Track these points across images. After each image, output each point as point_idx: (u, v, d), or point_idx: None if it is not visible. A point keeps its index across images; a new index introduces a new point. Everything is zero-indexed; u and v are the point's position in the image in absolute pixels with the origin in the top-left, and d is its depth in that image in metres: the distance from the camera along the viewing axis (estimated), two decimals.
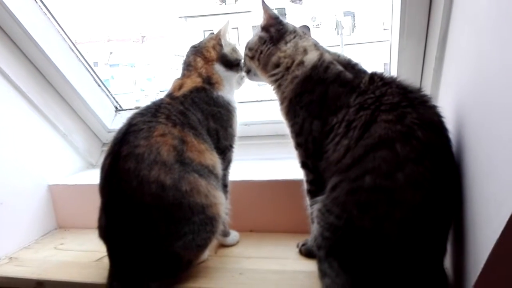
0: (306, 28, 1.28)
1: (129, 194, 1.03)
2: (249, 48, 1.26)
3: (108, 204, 1.09)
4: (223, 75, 1.32)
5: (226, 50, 1.34)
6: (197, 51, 1.33)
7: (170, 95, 1.24)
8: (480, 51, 0.78)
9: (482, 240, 0.68)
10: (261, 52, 1.21)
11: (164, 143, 1.07)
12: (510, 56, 0.60)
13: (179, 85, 1.26)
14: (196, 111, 1.20)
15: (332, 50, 1.18)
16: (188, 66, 1.31)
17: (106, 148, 1.17)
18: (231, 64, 1.34)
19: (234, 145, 1.32)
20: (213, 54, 1.32)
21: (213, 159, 1.17)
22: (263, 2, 1.22)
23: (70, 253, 1.43)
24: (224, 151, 1.26)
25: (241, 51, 1.35)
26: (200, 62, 1.30)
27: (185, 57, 1.34)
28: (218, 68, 1.31)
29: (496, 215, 0.62)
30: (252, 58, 1.25)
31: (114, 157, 1.08)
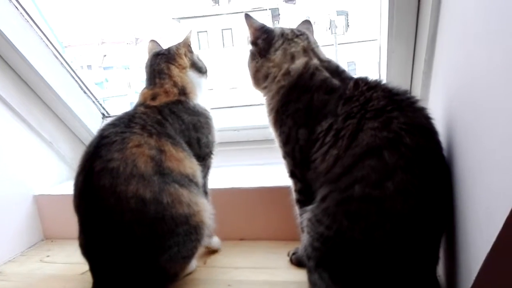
0: (307, 22, 1.25)
1: (107, 213, 0.99)
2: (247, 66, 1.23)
3: (86, 223, 1.05)
4: (195, 82, 1.30)
5: (195, 57, 1.34)
6: (169, 58, 1.28)
7: (144, 105, 1.19)
8: (467, 52, 0.76)
9: (475, 250, 0.67)
10: (253, 68, 1.19)
11: (140, 155, 1.03)
12: (496, 57, 0.58)
13: (151, 96, 1.21)
14: (175, 121, 1.17)
15: (325, 52, 1.16)
16: (161, 74, 1.25)
17: None
18: (202, 70, 1.34)
19: (214, 152, 1.29)
20: (185, 60, 1.30)
21: (193, 167, 1.14)
22: (246, 17, 1.17)
23: (55, 266, 1.40)
24: (205, 157, 1.24)
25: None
26: (174, 69, 1.26)
27: (151, 65, 1.29)
28: (192, 74, 1.29)
29: (488, 224, 0.60)
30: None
31: (87, 173, 1.03)
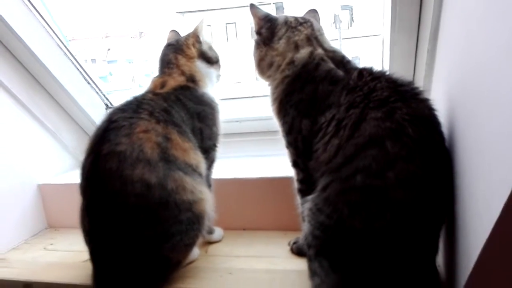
0: (314, 11, 1.25)
1: (113, 196, 0.99)
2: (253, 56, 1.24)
3: (91, 207, 1.05)
4: (204, 72, 1.31)
5: (205, 47, 1.34)
6: (177, 48, 1.30)
7: (152, 92, 1.20)
8: (468, 41, 0.76)
9: (473, 239, 0.67)
10: (257, 57, 1.20)
11: (147, 140, 1.03)
12: (497, 46, 0.58)
13: (160, 83, 1.23)
14: (181, 109, 1.17)
15: (330, 43, 1.15)
16: (169, 64, 1.27)
17: None
18: (211, 61, 1.35)
19: (218, 144, 1.29)
20: (193, 51, 1.30)
21: (196, 158, 1.14)
22: (251, 7, 1.19)
23: (58, 254, 1.41)
24: (208, 150, 1.24)
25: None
26: (182, 59, 1.27)
27: (162, 56, 1.31)
28: (200, 65, 1.30)
29: (486, 213, 0.60)
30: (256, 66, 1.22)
31: (95, 156, 1.03)
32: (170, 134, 1.08)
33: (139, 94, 1.21)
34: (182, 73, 1.25)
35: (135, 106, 1.12)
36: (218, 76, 1.40)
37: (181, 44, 1.31)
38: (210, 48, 1.38)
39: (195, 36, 1.33)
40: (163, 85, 1.22)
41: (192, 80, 1.26)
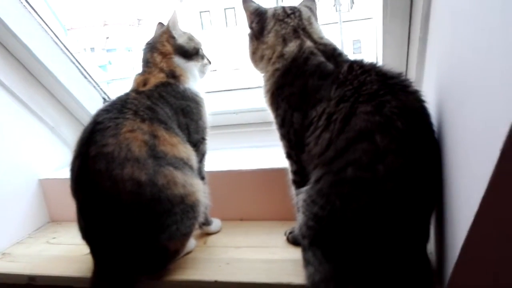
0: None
1: (104, 196, 1.01)
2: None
3: (84, 207, 1.07)
4: (184, 67, 1.29)
5: (181, 40, 1.31)
6: (152, 47, 1.28)
7: (135, 91, 1.21)
8: (455, 32, 0.77)
9: (458, 227, 0.69)
10: (250, 50, 1.21)
11: (134, 139, 1.04)
12: (481, 37, 0.58)
13: (142, 81, 1.23)
14: (164, 105, 1.18)
15: (320, 33, 1.14)
16: (147, 63, 1.27)
17: None
18: (189, 54, 1.32)
19: (206, 137, 1.30)
20: (168, 47, 1.28)
21: (186, 151, 1.15)
22: (243, 1, 1.18)
23: (61, 247, 1.44)
24: (197, 144, 1.24)
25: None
26: (158, 57, 1.26)
27: (142, 55, 1.30)
28: (178, 60, 1.28)
29: (468, 203, 0.62)
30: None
31: (83, 158, 1.05)
32: (156, 131, 1.09)
33: (122, 94, 1.21)
34: (161, 70, 1.25)
35: (120, 106, 1.12)
36: (204, 66, 1.37)
37: (155, 42, 1.29)
38: (190, 38, 1.34)
39: (168, 31, 1.30)
40: (145, 83, 1.22)
41: (172, 76, 1.25)
